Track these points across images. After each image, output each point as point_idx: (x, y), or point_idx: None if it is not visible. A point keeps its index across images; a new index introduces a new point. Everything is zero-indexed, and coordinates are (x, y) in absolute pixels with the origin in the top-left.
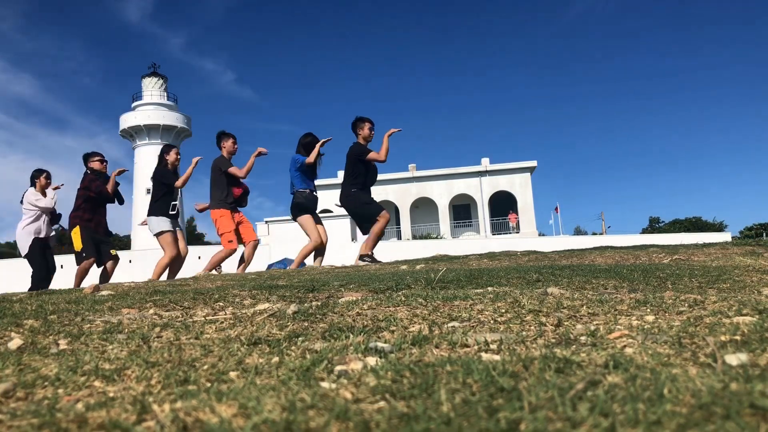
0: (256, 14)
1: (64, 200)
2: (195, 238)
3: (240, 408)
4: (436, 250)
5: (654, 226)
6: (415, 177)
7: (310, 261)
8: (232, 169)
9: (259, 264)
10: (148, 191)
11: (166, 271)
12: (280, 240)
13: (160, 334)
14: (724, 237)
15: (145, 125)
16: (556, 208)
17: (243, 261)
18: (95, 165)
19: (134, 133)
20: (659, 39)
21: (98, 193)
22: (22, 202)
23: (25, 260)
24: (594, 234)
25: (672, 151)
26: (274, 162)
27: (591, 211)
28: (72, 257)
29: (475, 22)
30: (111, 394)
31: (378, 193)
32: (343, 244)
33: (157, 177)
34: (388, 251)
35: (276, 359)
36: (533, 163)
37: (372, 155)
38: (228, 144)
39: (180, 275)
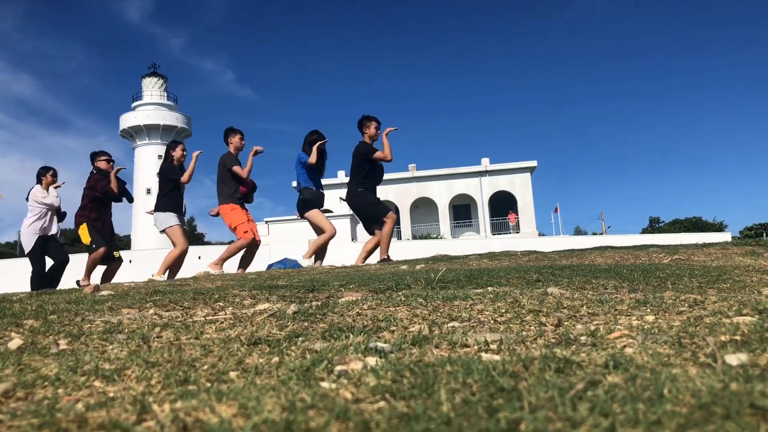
0: (256, 14)
1: (66, 199)
2: (195, 238)
3: (240, 408)
4: (436, 250)
5: (654, 226)
6: (415, 177)
7: (309, 261)
8: (236, 169)
9: (259, 264)
10: (148, 191)
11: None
12: (280, 240)
13: (160, 334)
14: (724, 237)
15: (145, 125)
16: (556, 209)
17: (243, 261)
18: (102, 164)
19: (134, 133)
20: (659, 39)
21: (104, 192)
22: (27, 199)
23: (27, 259)
24: (594, 234)
25: (672, 151)
26: (274, 162)
27: (591, 211)
28: (78, 255)
29: (475, 22)
30: (111, 394)
31: (378, 193)
32: (343, 244)
33: (163, 173)
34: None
35: (276, 359)
36: (533, 163)
37: (378, 154)
38: (235, 140)
39: (180, 275)
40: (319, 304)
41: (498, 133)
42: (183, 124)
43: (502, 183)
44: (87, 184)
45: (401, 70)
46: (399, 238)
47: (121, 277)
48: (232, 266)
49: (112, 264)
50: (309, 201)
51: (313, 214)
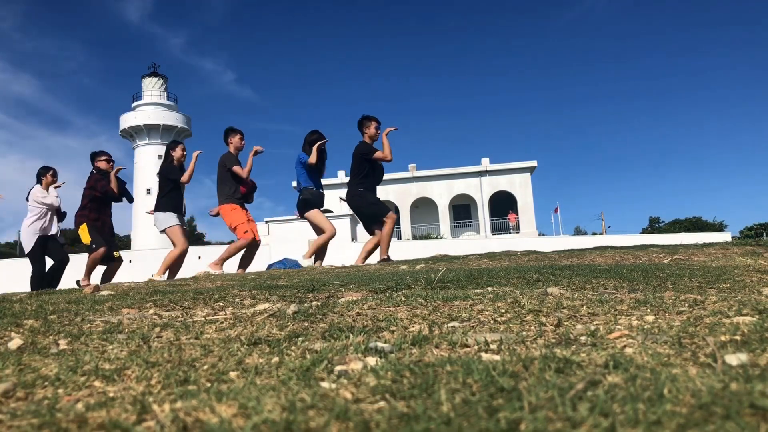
0: (256, 14)
1: (65, 199)
2: (195, 238)
3: (240, 408)
4: (436, 250)
5: (654, 226)
6: (415, 177)
7: (308, 261)
8: (236, 169)
9: (259, 264)
10: (148, 191)
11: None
12: (280, 240)
13: (160, 334)
14: (724, 237)
15: (145, 125)
16: (556, 209)
17: (243, 261)
18: (102, 164)
19: (134, 133)
20: (659, 39)
21: (104, 192)
22: (27, 199)
23: (27, 259)
24: (594, 234)
25: (672, 151)
26: (274, 162)
27: (591, 211)
28: (78, 255)
29: (475, 22)
30: (111, 394)
31: (378, 193)
32: (343, 244)
33: (163, 173)
34: None
35: (276, 359)
36: (533, 163)
37: (378, 154)
38: (235, 140)
39: (180, 275)
40: (319, 304)
41: (498, 133)
42: (183, 124)
43: (502, 183)
44: (87, 184)
45: (401, 70)
46: (399, 238)
47: (121, 277)
48: (232, 266)
49: (112, 264)
50: (309, 201)
51: (313, 214)
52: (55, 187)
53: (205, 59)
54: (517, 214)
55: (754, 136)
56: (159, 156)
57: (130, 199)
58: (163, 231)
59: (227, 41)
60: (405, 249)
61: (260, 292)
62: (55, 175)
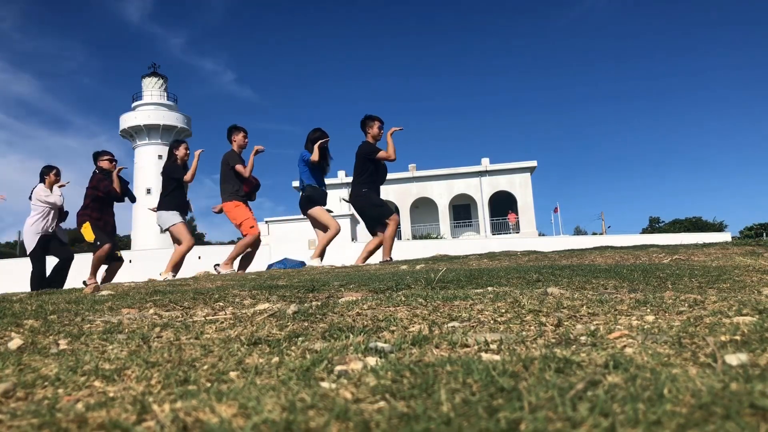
0: (256, 14)
1: (66, 199)
2: (195, 239)
3: (240, 408)
4: (436, 250)
5: (654, 226)
6: (415, 177)
7: (309, 260)
8: (238, 167)
9: (259, 264)
10: (148, 191)
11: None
12: (280, 240)
13: (160, 334)
14: (724, 237)
15: (145, 125)
16: (556, 209)
17: (243, 261)
18: (104, 164)
19: (134, 133)
20: (659, 39)
21: (107, 192)
22: (30, 198)
23: (27, 259)
24: (594, 234)
25: (672, 151)
26: (274, 162)
27: (591, 211)
28: (79, 255)
29: (475, 22)
30: (111, 394)
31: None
32: (343, 244)
33: (167, 172)
34: None
35: (276, 359)
36: (533, 163)
37: (382, 154)
38: (239, 138)
39: (180, 275)
40: (319, 304)
41: (498, 133)
42: (183, 124)
43: (502, 183)
44: (90, 183)
45: (401, 70)
46: (399, 238)
47: (121, 277)
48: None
49: (113, 264)
50: (312, 198)
51: (317, 211)
52: (60, 186)
53: (205, 59)
54: (517, 214)
55: (754, 136)
56: (159, 156)
57: (133, 199)
58: (167, 229)
59: (227, 41)
60: (405, 249)
61: (260, 292)
62: (58, 175)
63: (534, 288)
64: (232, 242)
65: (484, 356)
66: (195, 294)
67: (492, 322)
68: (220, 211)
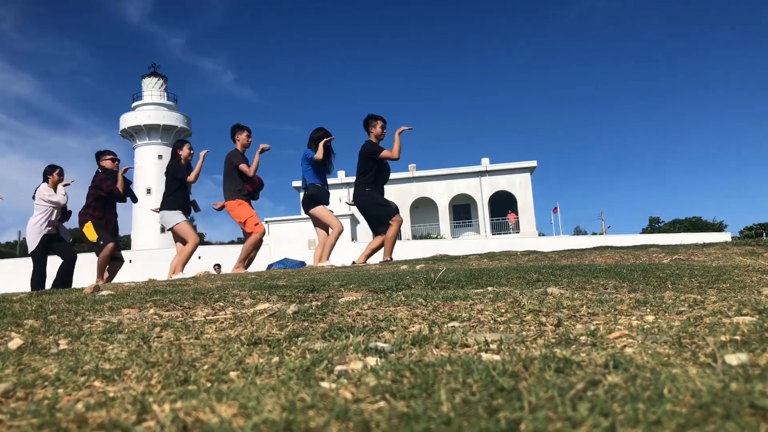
0: (256, 14)
1: (70, 198)
2: None
3: (240, 408)
4: (436, 250)
5: (654, 226)
6: (415, 177)
7: (309, 259)
8: (242, 167)
9: (259, 264)
10: (148, 191)
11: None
12: (280, 240)
13: (160, 334)
14: (724, 237)
15: (145, 125)
16: (556, 208)
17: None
18: (107, 164)
19: (134, 133)
20: (660, 39)
21: (109, 192)
22: (34, 197)
23: (28, 259)
24: (594, 234)
25: (672, 151)
26: (274, 162)
27: (591, 211)
28: (81, 255)
29: (475, 22)
30: (111, 394)
31: None
32: (343, 244)
33: (170, 172)
34: None
35: (276, 359)
36: (533, 163)
37: (385, 153)
38: (242, 137)
39: (180, 275)
40: (319, 304)
41: (498, 133)
42: (183, 124)
43: (502, 183)
44: (92, 183)
45: (401, 70)
46: (399, 238)
47: (121, 277)
48: (231, 266)
49: (114, 264)
50: (315, 197)
51: (320, 210)
52: (64, 185)
53: (205, 59)
54: (516, 214)
55: (754, 136)
56: (159, 156)
57: (135, 200)
58: (170, 229)
59: (227, 41)
60: (405, 249)
61: (260, 292)
62: (61, 174)
63: (534, 288)
64: (232, 242)
65: (484, 356)
66: (195, 294)
67: (492, 322)
68: (221, 207)
